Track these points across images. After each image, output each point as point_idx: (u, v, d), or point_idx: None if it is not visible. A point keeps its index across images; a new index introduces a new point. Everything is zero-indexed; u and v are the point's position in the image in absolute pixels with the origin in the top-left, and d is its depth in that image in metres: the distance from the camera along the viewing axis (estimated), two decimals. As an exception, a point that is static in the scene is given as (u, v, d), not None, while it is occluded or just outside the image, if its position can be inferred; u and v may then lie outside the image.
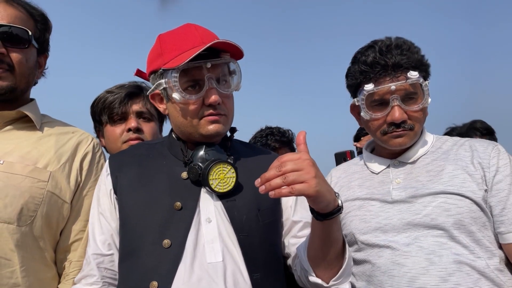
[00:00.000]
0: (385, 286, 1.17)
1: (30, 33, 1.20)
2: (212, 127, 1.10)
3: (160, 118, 1.67)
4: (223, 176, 1.08)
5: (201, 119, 1.11)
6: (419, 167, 1.29)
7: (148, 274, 1.00)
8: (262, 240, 1.10)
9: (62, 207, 1.18)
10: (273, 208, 1.16)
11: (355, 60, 1.32)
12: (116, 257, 1.11)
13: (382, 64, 1.24)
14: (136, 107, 1.57)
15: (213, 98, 1.08)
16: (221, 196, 1.10)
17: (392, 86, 1.22)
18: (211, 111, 1.10)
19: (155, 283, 0.99)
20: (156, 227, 1.05)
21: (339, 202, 0.97)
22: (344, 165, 1.52)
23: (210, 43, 1.05)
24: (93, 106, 1.64)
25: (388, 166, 1.34)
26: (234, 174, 1.09)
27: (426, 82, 1.26)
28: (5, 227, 1.05)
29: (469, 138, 1.33)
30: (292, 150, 2.10)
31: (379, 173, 1.35)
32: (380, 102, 1.27)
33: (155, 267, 1.01)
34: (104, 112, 1.58)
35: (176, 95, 1.09)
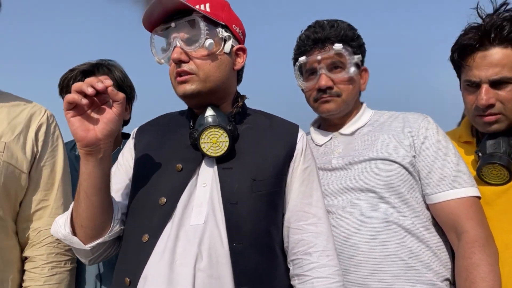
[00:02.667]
0: None
1: None
2: (180, 88, 1.09)
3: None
4: (215, 140, 1.07)
5: (175, 78, 1.10)
6: (357, 138, 1.36)
7: (143, 226, 1.05)
8: (251, 211, 1.04)
9: (20, 177, 1.18)
10: (272, 181, 1.09)
11: (298, 36, 1.44)
12: (123, 206, 1.13)
13: (312, 38, 1.35)
14: None
15: (172, 55, 1.07)
16: (219, 162, 1.09)
17: (318, 56, 1.33)
18: (177, 69, 1.08)
19: (146, 236, 1.02)
20: (157, 186, 1.08)
21: None
22: None
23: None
24: (58, 85, 1.64)
25: (331, 139, 1.40)
26: (227, 139, 1.06)
27: (354, 56, 1.35)
28: None
29: (404, 112, 1.40)
30: None
31: (322, 145, 1.42)
32: (311, 72, 1.38)
33: (149, 221, 1.04)
34: (63, 90, 1.60)
35: (155, 59, 1.15)
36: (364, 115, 1.42)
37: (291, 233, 1.10)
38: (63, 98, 1.62)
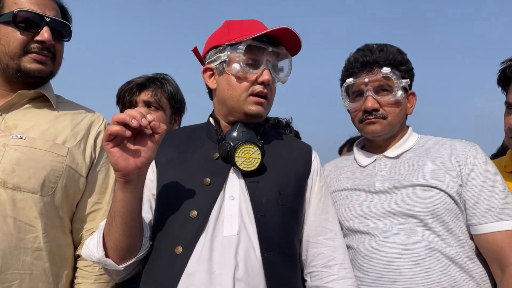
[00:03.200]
0: (364, 268, 1.24)
1: (71, 28, 1.33)
2: (255, 108, 1.15)
3: (174, 109, 1.75)
4: (249, 156, 1.12)
5: (249, 96, 1.15)
6: (402, 162, 1.36)
7: (175, 239, 1.07)
8: (279, 223, 1.11)
9: (79, 180, 1.25)
10: (295, 195, 1.18)
11: (346, 59, 1.46)
12: (150, 220, 1.15)
13: (361, 61, 1.38)
14: (144, 96, 1.67)
15: (266, 77, 1.15)
16: (246, 176, 1.14)
17: (366, 78, 1.35)
18: (261, 88, 1.15)
19: (180, 248, 1.04)
20: (186, 200, 1.11)
21: None
22: (336, 159, 1.60)
23: (278, 27, 1.13)
24: (116, 96, 1.75)
25: (375, 160, 1.41)
26: (260, 156, 1.13)
27: (402, 80, 1.37)
28: (30, 196, 1.13)
29: (451, 138, 1.40)
30: None
31: (366, 166, 1.42)
32: (357, 94, 1.40)
33: (181, 233, 1.07)
34: (119, 101, 1.71)
35: (236, 66, 1.14)
36: (410, 139, 1.42)
37: (310, 246, 1.18)
38: (119, 108, 1.71)
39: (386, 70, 1.34)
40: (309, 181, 1.23)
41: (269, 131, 1.30)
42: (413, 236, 1.21)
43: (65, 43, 1.34)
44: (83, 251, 1.09)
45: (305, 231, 1.20)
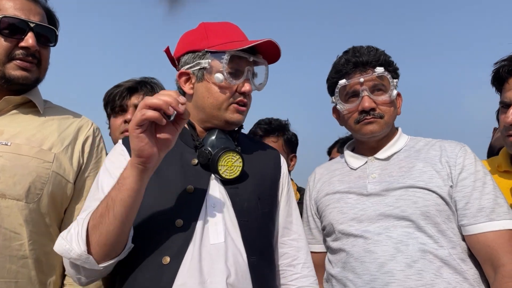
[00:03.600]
0: (357, 271, 1.22)
1: (57, 33, 1.30)
2: (236, 116, 1.17)
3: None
4: (231, 164, 1.12)
5: (230, 104, 1.16)
6: (393, 164, 1.35)
7: (162, 250, 1.02)
8: (260, 227, 1.14)
9: (66, 186, 1.22)
10: (271, 199, 1.21)
11: (333, 65, 1.45)
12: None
13: (353, 61, 1.37)
14: (135, 100, 1.64)
15: (247, 87, 1.16)
16: (224, 183, 1.14)
17: (361, 78, 1.34)
18: (241, 98, 1.16)
19: (167, 258, 1.01)
20: (170, 208, 1.07)
21: None
22: (327, 163, 1.59)
23: (263, 40, 1.13)
24: (103, 99, 1.71)
25: (366, 163, 1.40)
26: (241, 164, 1.14)
27: (394, 80, 1.37)
28: (15, 204, 1.10)
29: (441, 139, 1.39)
30: (279, 137, 2.14)
31: (357, 169, 1.41)
32: (352, 94, 1.38)
33: (168, 243, 1.03)
34: (108, 105, 1.67)
35: (219, 76, 1.13)
36: (400, 140, 1.41)
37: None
38: (107, 111, 1.68)
39: (380, 69, 1.34)
40: (280, 184, 1.27)
41: (241, 137, 1.29)
42: (405, 238, 1.20)
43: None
44: (57, 246, 0.96)
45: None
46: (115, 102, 1.64)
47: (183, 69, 1.20)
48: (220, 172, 1.11)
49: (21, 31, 1.20)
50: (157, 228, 1.06)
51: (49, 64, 1.36)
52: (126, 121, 1.61)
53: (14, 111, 1.25)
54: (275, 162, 1.29)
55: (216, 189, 1.13)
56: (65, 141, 1.26)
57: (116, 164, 1.14)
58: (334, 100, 1.43)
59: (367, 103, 1.33)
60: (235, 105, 1.17)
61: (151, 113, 0.88)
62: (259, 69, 1.24)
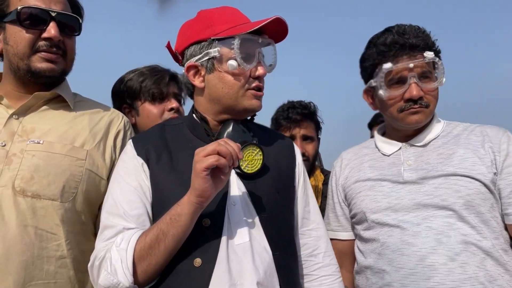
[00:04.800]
0: (395, 263, 1.17)
1: (80, 21, 1.24)
2: (255, 102, 1.09)
3: (181, 103, 1.68)
4: (251, 158, 1.06)
5: (247, 90, 1.08)
6: (430, 150, 1.27)
7: (191, 251, 0.98)
8: (281, 221, 1.09)
9: (100, 183, 1.20)
10: (289, 191, 1.16)
11: (371, 44, 1.32)
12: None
13: (401, 43, 1.24)
14: (174, 89, 1.59)
15: (261, 70, 1.09)
16: (242, 178, 1.08)
17: (410, 63, 1.22)
18: (257, 83, 1.09)
19: (198, 260, 0.97)
20: None
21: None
22: (355, 147, 1.49)
23: (272, 17, 1.05)
24: (124, 85, 1.60)
25: (400, 149, 1.31)
26: (261, 157, 1.07)
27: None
28: (50, 204, 1.08)
29: (480, 124, 1.30)
30: (316, 122, 2.01)
31: (390, 155, 1.33)
32: (397, 81, 1.26)
33: (197, 244, 0.99)
34: (143, 90, 1.56)
35: (232, 62, 1.05)
36: (437, 126, 1.32)
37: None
38: (139, 97, 1.58)
39: (430, 54, 1.22)
40: (296, 174, 1.20)
41: (252, 126, 1.20)
42: (447, 229, 1.14)
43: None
44: (103, 280, 0.93)
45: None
46: (158, 88, 1.56)
47: (190, 62, 1.10)
48: (242, 167, 1.05)
49: (42, 21, 1.14)
50: None
51: (76, 54, 1.30)
52: (172, 109, 1.56)
53: (45, 107, 1.22)
54: (289, 151, 1.22)
55: (235, 185, 1.07)
56: (97, 136, 1.22)
57: (131, 171, 1.07)
58: (375, 84, 1.31)
59: (415, 92, 1.22)
60: (252, 91, 1.08)
61: (223, 161, 0.91)
62: (266, 50, 1.15)
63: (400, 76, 1.25)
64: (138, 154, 1.08)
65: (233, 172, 1.07)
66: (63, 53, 1.20)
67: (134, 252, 0.95)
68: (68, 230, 1.11)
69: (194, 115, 1.16)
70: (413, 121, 1.26)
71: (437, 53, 1.27)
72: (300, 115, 1.95)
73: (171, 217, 0.95)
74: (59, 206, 1.10)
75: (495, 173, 1.17)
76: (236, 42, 1.04)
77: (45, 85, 1.21)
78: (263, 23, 1.05)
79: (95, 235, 1.22)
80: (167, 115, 1.55)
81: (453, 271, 1.10)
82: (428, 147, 1.29)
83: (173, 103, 1.56)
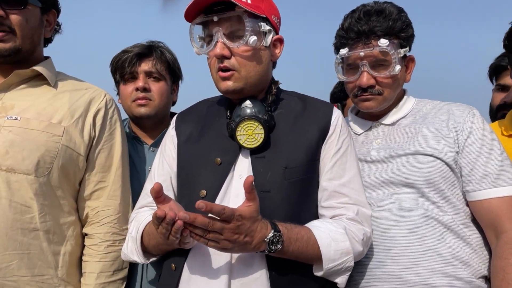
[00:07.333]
0: None
1: None
2: (223, 84, 1.05)
3: (173, 78, 1.61)
4: (251, 132, 1.03)
5: (217, 73, 1.06)
6: (398, 129, 1.26)
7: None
8: (285, 198, 1.01)
9: (77, 159, 1.18)
10: (305, 167, 1.05)
11: (339, 26, 1.29)
12: (171, 196, 1.12)
13: (355, 31, 1.21)
14: (145, 66, 1.51)
15: (214, 51, 1.02)
16: (253, 152, 1.05)
17: (361, 52, 1.19)
18: (218, 64, 1.04)
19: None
20: (198, 178, 1.06)
21: (265, 249, 0.92)
22: None
23: None
24: (110, 65, 1.58)
25: (370, 128, 1.31)
26: (262, 131, 1.03)
27: (401, 50, 1.21)
28: (24, 178, 1.07)
29: (449, 102, 1.28)
30: None
31: (361, 134, 1.32)
32: (352, 67, 1.25)
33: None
34: (117, 71, 1.53)
35: (195, 49, 1.08)
36: (406, 105, 1.31)
37: (322, 211, 1.08)
38: (115, 78, 1.57)
39: (383, 43, 1.17)
40: (325, 146, 1.09)
41: (287, 96, 1.16)
42: (409, 204, 1.14)
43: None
44: (124, 256, 1.12)
45: (318, 197, 1.09)
46: (125, 69, 1.50)
47: None
48: (241, 142, 1.04)
49: None
50: (182, 197, 1.08)
51: (52, 26, 1.26)
52: (138, 89, 1.49)
53: (24, 85, 1.19)
54: (321, 121, 1.10)
55: (245, 161, 1.05)
56: (76, 113, 1.20)
57: (167, 142, 1.20)
58: (335, 66, 1.32)
59: (364, 80, 1.20)
60: (220, 73, 1.06)
61: (164, 229, 0.91)
62: (230, 25, 1.04)
63: (354, 63, 1.24)
64: (174, 127, 1.19)
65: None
66: (11, 30, 1.13)
67: (142, 238, 1.06)
68: (42, 204, 1.10)
69: None
70: (364, 107, 1.26)
71: (402, 38, 1.22)
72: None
73: (150, 226, 1.03)
74: (33, 180, 1.09)
75: (457, 152, 1.17)
76: (191, 27, 1.07)
77: (22, 63, 1.18)
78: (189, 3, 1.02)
79: (76, 209, 1.24)
80: (134, 95, 1.50)
81: (412, 243, 1.11)
82: (396, 126, 1.28)
83: (139, 83, 1.49)
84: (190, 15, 1.06)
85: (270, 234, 0.91)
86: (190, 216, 0.83)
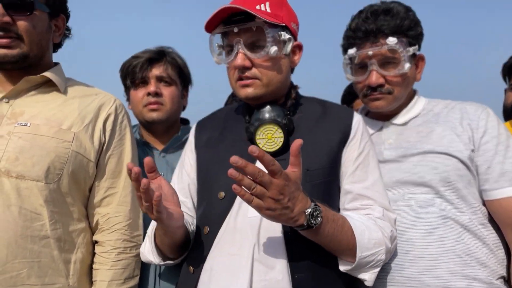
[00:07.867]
0: None
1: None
2: (243, 91, 1.07)
3: (184, 82, 1.60)
4: (271, 136, 1.04)
5: (236, 82, 1.08)
6: (410, 129, 1.24)
7: (204, 220, 1.07)
8: None
9: (88, 165, 1.16)
10: (327, 170, 1.04)
11: (347, 25, 1.28)
12: (189, 203, 1.16)
13: (363, 30, 1.19)
14: (156, 71, 1.49)
15: (235, 62, 1.03)
16: (273, 156, 1.00)
17: (369, 51, 1.17)
18: (239, 74, 1.06)
19: (207, 228, 1.04)
20: (216, 181, 1.07)
21: (304, 221, 0.88)
22: None
23: (228, 5, 1.02)
24: (120, 71, 1.57)
25: (381, 128, 1.28)
26: (282, 135, 1.03)
27: (410, 48, 1.19)
28: (34, 184, 1.05)
29: (460, 101, 1.26)
30: None
31: (372, 134, 1.29)
32: (361, 66, 1.23)
33: (210, 214, 1.05)
34: (128, 77, 1.52)
35: (214, 58, 1.11)
36: (418, 104, 1.28)
37: (346, 213, 1.05)
38: (125, 84, 1.56)
39: (392, 41, 1.15)
40: (345, 149, 1.08)
41: (306, 101, 1.17)
42: (425, 204, 1.11)
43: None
44: (142, 256, 1.14)
45: (340, 201, 1.08)
46: (136, 74, 1.49)
47: None
48: (260, 145, 1.03)
49: None
50: (204, 201, 1.09)
51: (61, 31, 1.24)
52: (149, 94, 1.47)
53: (34, 91, 1.18)
54: (342, 125, 1.10)
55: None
56: (86, 119, 1.18)
57: (187, 149, 1.23)
58: (343, 67, 1.29)
59: (374, 79, 1.18)
60: (240, 82, 1.07)
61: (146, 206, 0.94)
62: (250, 36, 1.05)
63: (362, 62, 1.21)
64: (194, 134, 1.22)
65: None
66: (18, 36, 1.11)
67: (155, 238, 1.07)
68: (52, 211, 1.08)
69: None
70: (374, 107, 1.24)
71: (411, 37, 1.20)
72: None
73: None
74: (43, 187, 1.07)
75: (472, 150, 1.14)
76: (210, 39, 1.08)
77: (31, 69, 1.17)
78: (212, 15, 1.03)
79: (86, 216, 1.21)
80: (145, 100, 1.48)
81: (430, 245, 1.07)
82: (408, 126, 1.26)
83: (150, 87, 1.48)
84: (210, 26, 1.07)
85: (311, 207, 0.88)
86: (241, 162, 0.80)
